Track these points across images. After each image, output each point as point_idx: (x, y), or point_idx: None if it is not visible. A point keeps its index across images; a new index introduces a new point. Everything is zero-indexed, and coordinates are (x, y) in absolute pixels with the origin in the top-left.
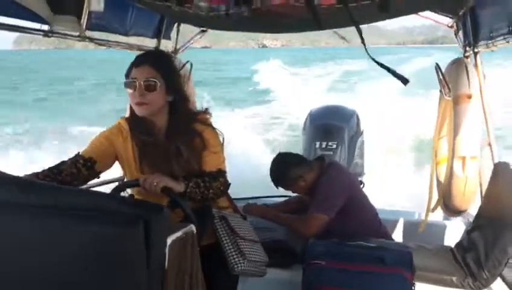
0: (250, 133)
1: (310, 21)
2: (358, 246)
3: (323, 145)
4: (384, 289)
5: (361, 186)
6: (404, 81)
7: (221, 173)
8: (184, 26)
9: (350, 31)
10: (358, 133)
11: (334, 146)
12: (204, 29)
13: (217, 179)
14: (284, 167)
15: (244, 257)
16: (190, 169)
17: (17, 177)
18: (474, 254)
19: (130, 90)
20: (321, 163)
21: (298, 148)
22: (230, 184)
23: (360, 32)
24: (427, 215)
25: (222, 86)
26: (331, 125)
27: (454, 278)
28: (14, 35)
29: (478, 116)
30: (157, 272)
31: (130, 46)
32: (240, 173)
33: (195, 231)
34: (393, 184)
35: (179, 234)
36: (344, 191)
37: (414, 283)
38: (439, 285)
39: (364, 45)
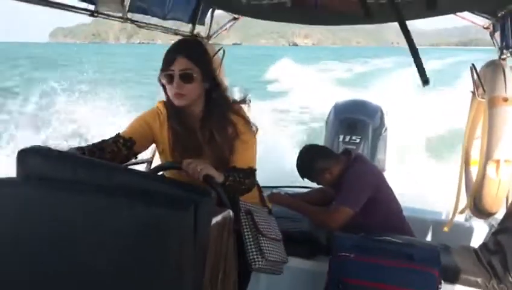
0: (270, 126)
1: (352, 15)
2: (386, 241)
3: (347, 139)
4: (412, 285)
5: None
6: (425, 81)
7: (253, 172)
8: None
9: (379, 31)
10: (382, 128)
11: (358, 140)
12: (236, 16)
13: (249, 177)
14: (310, 158)
15: (263, 256)
16: (221, 156)
17: (69, 154)
18: (501, 256)
19: (166, 83)
20: (347, 156)
21: (320, 141)
22: (257, 182)
23: (405, 28)
24: (453, 215)
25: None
26: (356, 119)
27: (479, 280)
28: (50, 28)
29: None
30: (201, 255)
31: (167, 30)
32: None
33: (232, 216)
34: (410, 181)
35: (218, 218)
36: (370, 185)
37: (441, 281)
38: (464, 285)
39: (410, 41)
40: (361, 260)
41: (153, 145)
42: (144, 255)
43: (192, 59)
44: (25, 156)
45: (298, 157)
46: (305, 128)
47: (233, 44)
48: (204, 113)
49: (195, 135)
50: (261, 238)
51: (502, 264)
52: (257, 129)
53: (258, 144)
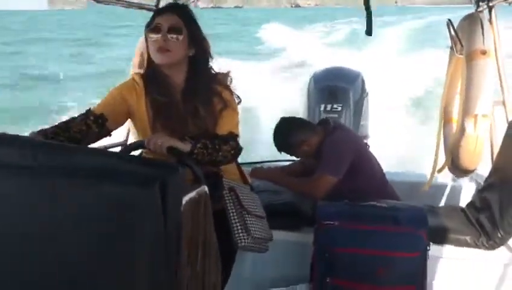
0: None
1: None
2: (370, 206)
3: (328, 108)
4: (400, 248)
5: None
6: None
7: (233, 136)
8: None
9: None
10: (363, 95)
11: (340, 108)
12: None
13: (227, 142)
14: (287, 131)
15: (249, 233)
16: (206, 129)
17: (24, 137)
18: (488, 213)
19: (153, 36)
20: (325, 126)
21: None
22: (242, 149)
23: None
24: (432, 174)
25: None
26: (336, 87)
27: (468, 238)
28: None
29: (492, 73)
30: (174, 234)
31: (130, 5)
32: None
33: (207, 191)
34: (395, 145)
35: (192, 194)
36: (350, 151)
37: (429, 243)
38: (453, 245)
39: None
40: (346, 227)
41: (127, 127)
42: (112, 238)
43: (182, 19)
44: None
45: (274, 130)
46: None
47: (235, 7)
48: (186, 84)
49: (177, 106)
50: (246, 216)
51: (490, 221)
52: (240, 100)
53: None
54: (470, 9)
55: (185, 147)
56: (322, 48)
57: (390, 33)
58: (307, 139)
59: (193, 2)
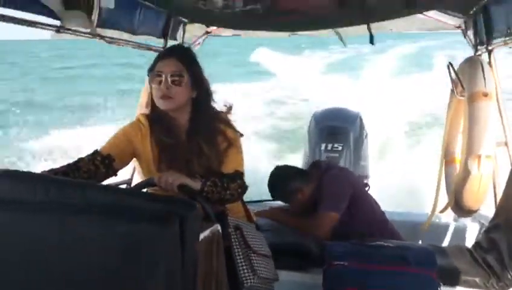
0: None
1: (325, 19)
2: (379, 246)
3: (329, 148)
4: (411, 289)
5: (367, 189)
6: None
7: (239, 174)
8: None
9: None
10: (362, 135)
11: (340, 148)
12: (209, 30)
13: (234, 181)
14: (281, 180)
15: (255, 273)
16: (211, 168)
17: (40, 175)
18: (496, 254)
19: (155, 84)
20: (318, 170)
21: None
22: (247, 187)
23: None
24: (432, 214)
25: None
26: (336, 127)
27: (477, 279)
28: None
29: (494, 115)
30: (190, 271)
31: (138, 46)
32: None
33: (220, 230)
34: (396, 181)
35: (206, 233)
36: (349, 186)
37: (440, 283)
38: (463, 286)
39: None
40: (356, 267)
41: (131, 165)
42: (129, 276)
43: (183, 63)
44: None
45: (269, 179)
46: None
47: (233, 35)
48: (190, 124)
49: (182, 147)
50: (252, 255)
51: (499, 262)
52: (241, 135)
53: None
54: (459, 35)
55: (196, 184)
56: (318, 74)
57: (384, 59)
58: (301, 188)
59: (198, 44)
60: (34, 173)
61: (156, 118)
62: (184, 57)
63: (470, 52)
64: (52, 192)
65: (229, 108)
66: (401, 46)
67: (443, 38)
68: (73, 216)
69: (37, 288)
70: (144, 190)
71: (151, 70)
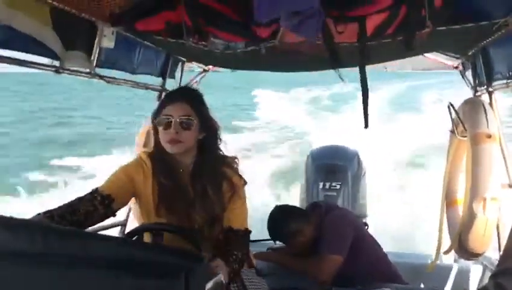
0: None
1: (327, 60)
2: None
3: (327, 186)
4: None
5: (366, 228)
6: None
7: (247, 233)
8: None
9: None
10: (360, 173)
11: (338, 186)
12: (207, 68)
13: (246, 242)
14: (281, 221)
15: None
16: (213, 213)
17: (38, 224)
18: None
19: (163, 128)
20: (318, 211)
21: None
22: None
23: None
24: (437, 256)
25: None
26: (334, 165)
27: None
28: None
29: (498, 156)
30: None
31: (137, 85)
32: None
33: (224, 281)
34: (393, 223)
35: (210, 284)
36: (351, 228)
37: None
38: None
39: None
40: None
41: (128, 206)
42: None
43: (192, 106)
44: None
45: (268, 219)
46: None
47: (232, 70)
48: (195, 166)
49: (184, 191)
50: None
51: None
52: (245, 183)
53: None
54: (452, 74)
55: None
56: (307, 114)
57: (373, 98)
58: (302, 229)
59: (196, 82)
60: (32, 221)
61: (158, 157)
62: (193, 99)
63: (459, 92)
64: (51, 242)
65: (234, 158)
66: (391, 85)
67: (433, 77)
68: (74, 269)
69: None
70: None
71: (157, 113)
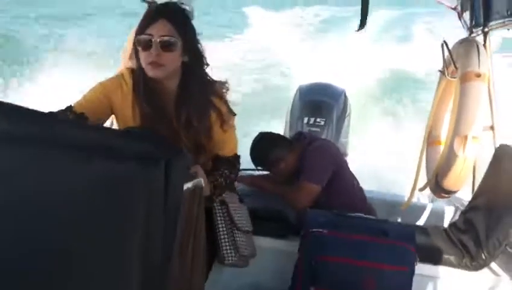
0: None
1: None
2: (359, 218)
3: (311, 121)
4: (390, 262)
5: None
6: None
7: (237, 158)
8: None
9: None
10: (345, 112)
11: (322, 123)
12: None
13: (235, 167)
14: (264, 148)
15: (237, 251)
16: (199, 143)
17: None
18: (472, 234)
19: (142, 48)
20: (302, 141)
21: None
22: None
23: None
24: (412, 194)
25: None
26: (320, 101)
27: (452, 258)
28: None
29: (484, 97)
30: (172, 218)
31: None
32: None
33: (203, 184)
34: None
35: (189, 184)
36: (332, 160)
37: (417, 258)
38: (437, 264)
39: None
40: (335, 236)
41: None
42: (105, 216)
43: (175, 24)
44: None
45: (251, 146)
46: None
47: None
48: (179, 91)
49: (168, 118)
50: (236, 233)
51: (475, 242)
52: (235, 114)
53: None
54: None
55: (207, 191)
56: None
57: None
58: (285, 157)
59: None
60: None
61: (140, 78)
62: (177, 18)
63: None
64: (13, 121)
65: (224, 83)
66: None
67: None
68: (42, 149)
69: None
70: None
71: (138, 30)
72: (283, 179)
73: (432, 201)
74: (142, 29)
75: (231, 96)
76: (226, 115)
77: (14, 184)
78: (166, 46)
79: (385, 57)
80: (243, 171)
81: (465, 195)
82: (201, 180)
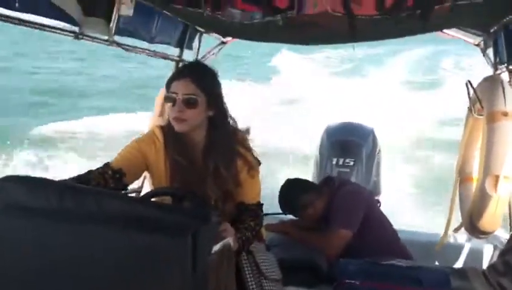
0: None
1: (344, 33)
2: (391, 266)
3: (341, 162)
4: None
5: (379, 205)
6: None
7: (261, 207)
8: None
9: None
10: (375, 151)
11: (352, 163)
12: (224, 40)
13: (258, 216)
14: (292, 194)
15: None
16: (226, 189)
17: (54, 181)
18: (511, 277)
19: (168, 104)
20: (330, 186)
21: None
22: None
23: None
24: (445, 234)
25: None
26: (349, 141)
27: None
28: None
29: None
30: (202, 285)
31: (155, 54)
32: None
33: (232, 244)
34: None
35: (217, 246)
36: (363, 204)
37: None
38: None
39: None
40: (367, 286)
41: (143, 175)
42: (140, 287)
43: (198, 83)
44: (5, 184)
45: (280, 192)
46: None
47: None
48: (207, 143)
49: (196, 167)
50: (264, 282)
51: None
52: (260, 163)
53: None
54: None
55: (236, 245)
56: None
57: (396, 61)
58: (313, 202)
59: (213, 54)
60: (49, 179)
61: (171, 132)
62: (200, 77)
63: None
64: (66, 199)
65: (247, 130)
66: (412, 50)
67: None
68: (86, 224)
69: None
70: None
71: (167, 87)
72: (312, 225)
73: (469, 240)
74: (170, 85)
75: (259, 142)
76: (252, 162)
77: (61, 256)
78: (188, 104)
79: (415, 98)
80: (270, 216)
81: (503, 233)
82: (230, 240)
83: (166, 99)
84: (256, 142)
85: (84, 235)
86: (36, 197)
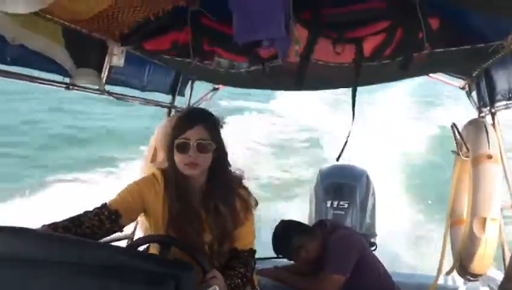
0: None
1: (329, 79)
2: None
3: (335, 205)
4: None
5: (374, 248)
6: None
7: (253, 254)
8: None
9: None
10: (369, 193)
11: (346, 205)
12: (216, 87)
13: (249, 263)
14: (285, 236)
15: None
16: (224, 230)
17: (37, 231)
18: None
19: (180, 151)
20: (323, 229)
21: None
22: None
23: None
24: (438, 276)
25: None
26: (342, 184)
27: None
28: None
29: (499, 177)
30: None
31: (146, 102)
32: None
33: None
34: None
35: None
36: (356, 248)
37: None
38: None
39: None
40: None
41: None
42: None
43: (209, 130)
44: None
45: (273, 234)
46: None
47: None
48: (208, 185)
49: (195, 211)
50: None
51: None
52: (257, 204)
53: None
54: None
55: None
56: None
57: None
58: (306, 245)
59: (206, 99)
60: (34, 230)
61: (171, 175)
62: (210, 123)
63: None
64: (47, 249)
65: (242, 173)
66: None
67: None
68: (68, 276)
69: None
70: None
71: (174, 135)
72: (305, 268)
73: (466, 283)
74: (178, 134)
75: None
76: (249, 203)
77: None
78: (202, 149)
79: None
80: (264, 260)
81: (498, 275)
82: (216, 288)
83: (177, 146)
84: None
85: (64, 286)
86: (23, 248)
